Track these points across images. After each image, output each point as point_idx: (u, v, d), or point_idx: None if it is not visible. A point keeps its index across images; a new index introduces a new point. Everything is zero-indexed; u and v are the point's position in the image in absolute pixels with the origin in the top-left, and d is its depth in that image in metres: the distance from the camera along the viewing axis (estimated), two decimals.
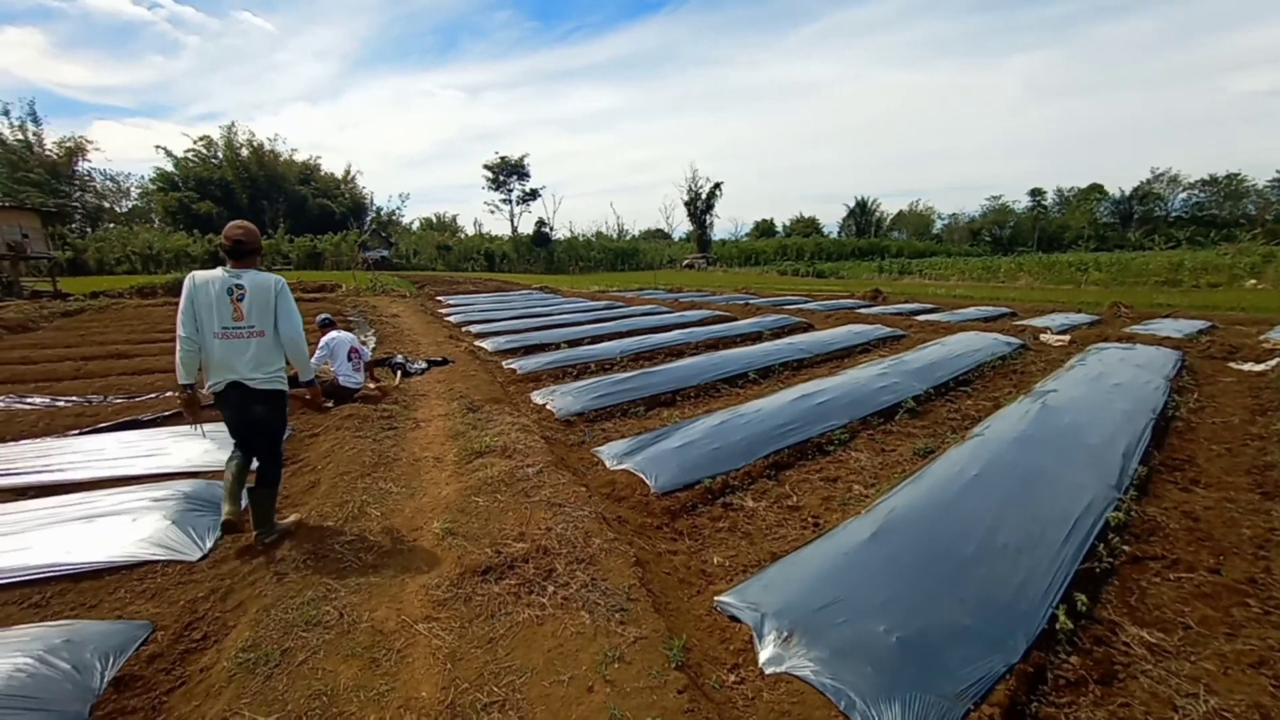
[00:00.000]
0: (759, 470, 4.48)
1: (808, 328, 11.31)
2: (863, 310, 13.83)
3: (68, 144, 44.92)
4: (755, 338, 10.16)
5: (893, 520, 3.37)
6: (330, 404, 5.87)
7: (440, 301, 18.88)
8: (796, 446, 4.88)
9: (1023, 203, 75.68)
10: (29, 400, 6.11)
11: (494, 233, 52.27)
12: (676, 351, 9.02)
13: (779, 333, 10.64)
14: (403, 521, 3.40)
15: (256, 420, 3.21)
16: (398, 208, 56.55)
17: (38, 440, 4.78)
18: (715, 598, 2.90)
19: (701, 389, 6.76)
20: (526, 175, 51.05)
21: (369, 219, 51.76)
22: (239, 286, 3.12)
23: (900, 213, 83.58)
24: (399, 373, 7.34)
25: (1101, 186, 70.62)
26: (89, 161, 46.70)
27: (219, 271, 3.16)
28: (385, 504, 3.61)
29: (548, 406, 6.11)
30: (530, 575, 2.75)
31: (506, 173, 50.62)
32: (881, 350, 9.12)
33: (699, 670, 2.32)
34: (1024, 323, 11.43)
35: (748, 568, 3.29)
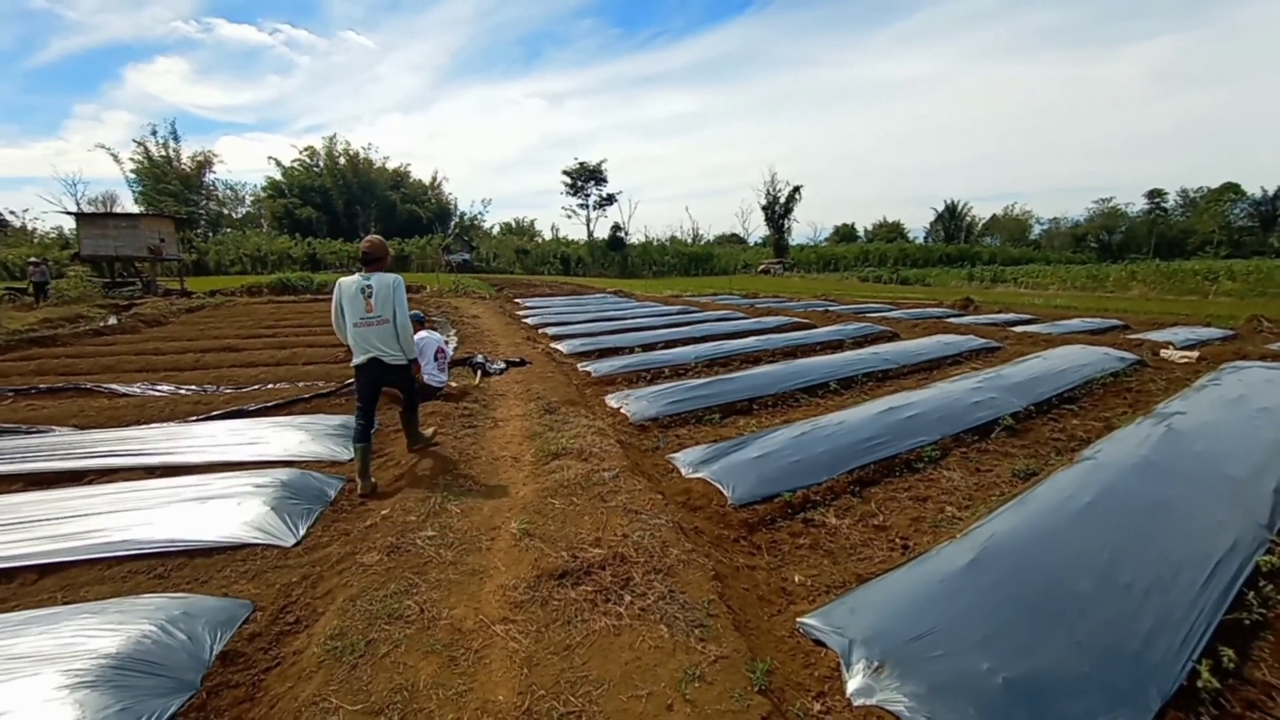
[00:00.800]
0: (842, 486, 4.26)
1: (892, 337, 10.77)
2: (953, 320, 13.04)
3: (198, 158, 50.01)
4: (836, 346, 9.78)
5: (993, 547, 3.09)
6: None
7: (518, 304, 19.47)
8: (883, 462, 4.61)
9: (1137, 205, 69.06)
10: (158, 388, 6.79)
11: (570, 237, 53.52)
12: (753, 358, 8.81)
13: (861, 341, 10.20)
14: (481, 520, 3.46)
15: (392, 382, 4.31)
16: (480, 213, 59.00)
17: (164, 425, 5.27)
18: (797, 619, 2.76)
19: (779, 398, 6.56)
20: (604, 180, 51.90)
21: (453, 223, 54.25)
22: (368, 287, 4.11)
23: (994, 217, 78.51)
24: (479, 372, 7.58)
25: (1237, 186, 63.23)
26: (214, 173, 51.78)
27: (356, 276, 4.17)
28: (465, 501, 3.70)
29: (622, 410, 6.11)
30: (607, 583, 2.71)
31: (584, 178, 51.64)
32: (974, 362, 8.54)
33: (782, 695, 2.20)
34: (1140, 336, 10.39)
35: (831, 588, 3.13)
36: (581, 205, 52.88)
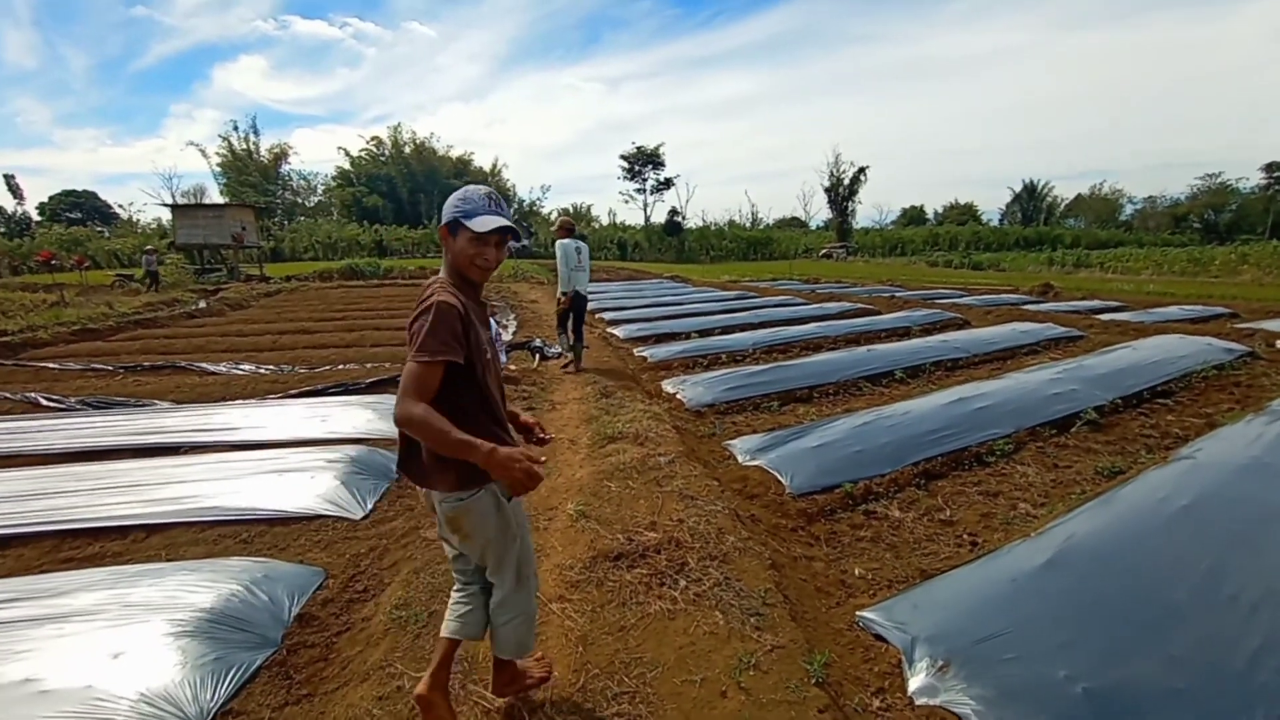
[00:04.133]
0: (906, 478, 4.11)
1: (963, 324, 10.25)
2: (1029, 307, 12.25)
3: (275, 150, 52.86)
4: (902, 333, 9.40)
5: (1073, 548, 2.91)
6: None
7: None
8: (951, 455, 4.41)
9: (1251, 180, 62.06)
10: (241, 367, 7.32)
11: (627, 222, 53.33)
12: (813, 345, 8.59)
13: (929, 329, 9.75)
14: (539, 500, 3.54)
15: (582, 310, 7.03)
16: (538, 198, 59.68)
17: (246, 402, 5.67)
18: (857, 612, 2.69)
19: (841, 386, 6.37)
20: (661, 164, 51.45)
21: (512, 210, 55.25)
22: (580, 249, 6.86)
23: (1079, 197, 72.76)
24: (537, 356, 7.72)
25: None
26: (289, 164, 54.61)
27: (572, 240, 6.74)
28: None
29: (678, 396, 6.09)
30: (662, 567, 2.72)
31: (641, 162, 51.38)
32: (1054, 352, 8.01)
33: (839, 689, 2.15)
34: (1251, 326, 9.44)
35: (893, 583, 3.03)
36: (638, 190, 52.71)
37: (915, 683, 2.22)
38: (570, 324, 7.00)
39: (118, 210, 52.05)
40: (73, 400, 5.72)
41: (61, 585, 2.60)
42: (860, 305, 12.47)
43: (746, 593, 2.52)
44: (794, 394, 6.12)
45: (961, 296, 14.37)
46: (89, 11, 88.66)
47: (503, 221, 1.73)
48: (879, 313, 11.49)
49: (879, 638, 2.50)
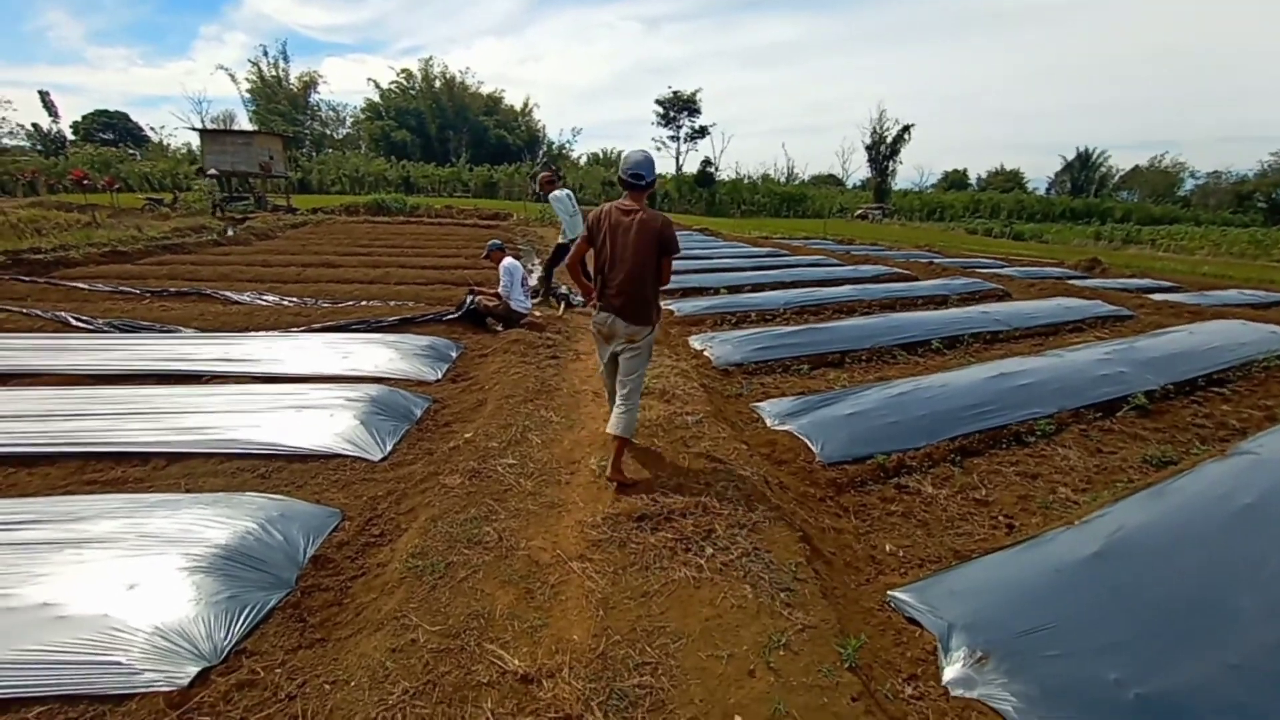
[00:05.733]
0: (941, 453, 3.94)
1: (1004, 296, 9.81)
2: (1075, 282, 11.67)
3: (304, 79, 51.76)
4: (940, 301, 9.02)
5: (1124, 541, 2.74)
6: (500, 327, 6.20)
7: None
8: (988, 432, 4.22)
9: None
10: (265, 298, 7.25)
11: (658, 171, 51.89)
12: (846, 309, 8.29)
13: (968, 298, 9.35)
14: (561, 453, 3.44)
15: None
16: (568, 141, 58.01)
17: (269, 333, 5.61)
18: (888, 591, 2.58)
19: (874, 353, 6.13)
20: (697, 112, 49.45)
21: (541, 152, 53.99)
22: (570, 196, 7.30)
23: (1136, 168, 68.52)
24: (563, 304, 7.55)
25: None
26: (318, 94, 53.51)
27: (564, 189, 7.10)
28: (545, 432, 3.69)
29: (705, 353, 5.92)
30: (688, 531, 2.61)
31: (678, 108, 49.42)
32: (1100, 331, 7.63)
33: (870, 673, 2.05)
34: None
35: (925, 562, 2.91)
36: (672, 137, 50.90)
37: (951, 672, 2.11)
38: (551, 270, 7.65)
39: (149, 133, 51.92)
40: (101, 322, 5.72)
41: (81, 510, 2.58)
42: (897, 270, 12.00)
43: (777, 565, 2.41)
44: (825, 358, 5.91)
45: (1002, 267, 13.76)
46: None
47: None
48: (916, 279, 11.05)
49: (912, 621, 2.39)
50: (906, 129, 46.85)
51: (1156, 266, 16.71)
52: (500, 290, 6.28)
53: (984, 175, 69.34)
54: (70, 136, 46.32)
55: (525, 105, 56.64)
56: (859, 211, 42.72)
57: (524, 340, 5.66)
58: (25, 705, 1.78)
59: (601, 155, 55.64)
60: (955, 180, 68.24)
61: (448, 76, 52.13)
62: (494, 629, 2.06)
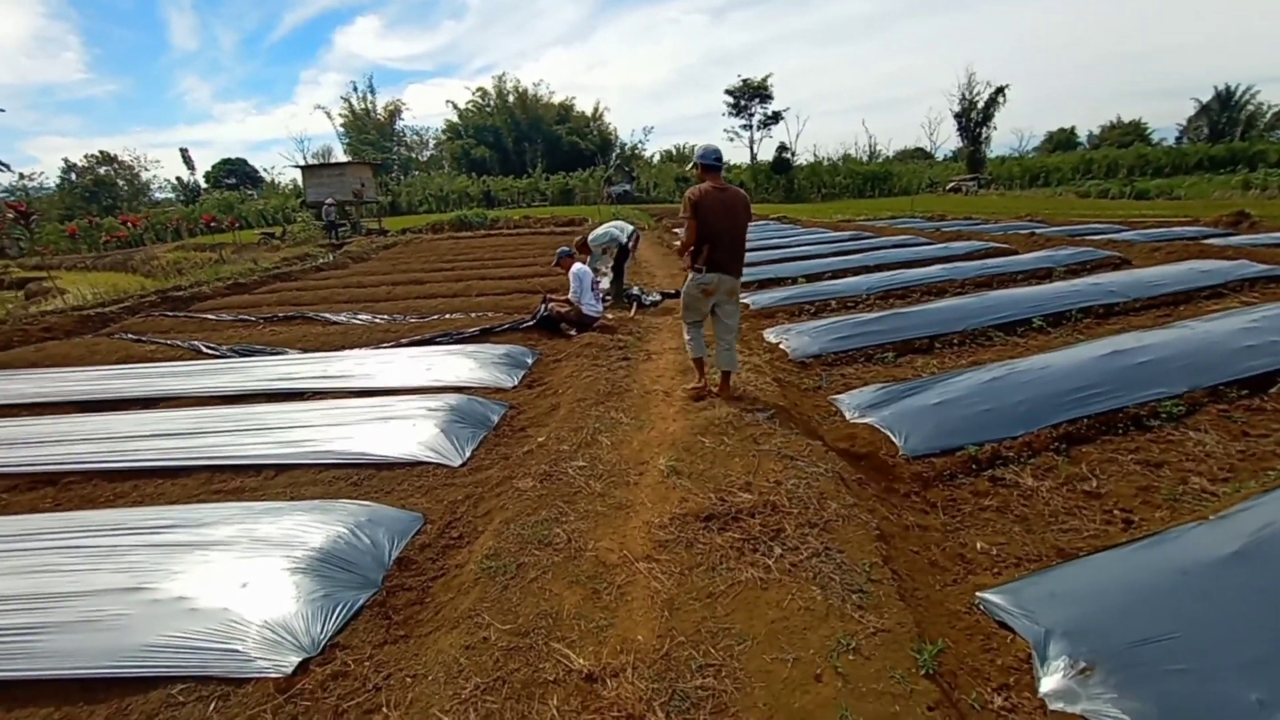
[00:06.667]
0: (1043, 442, 3.60)
1: (1120, 264, 8.83)
2: (1213, 241, 10.27)
3: (390, 107, 55.54)
4: (1043, 275, 8.25)
5: (1271, 539, 2.37)
6: (574, 332, 6.34)
7: (675, 234, 19.26)
8: (1100, 416, 3.81)
9: None
10: (359, 317, 7.89)
11: (732, 161, 51.04)
12: (936, 290, 7.78)
13: (1076, 270, 8.49)
14: (630, 454, 3.47)
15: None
16: (640, 141, 58.43)
17: (361, 350, 6.10)
18: (977, 593, 2.40)
19: (967, 336, 5.71)
20: (769, 98, 48.20)
21: (614, 154, 54.69)
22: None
23: None
24: (634, 304, 7.61)
25: None
26: (403, 120, 57.22)
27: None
28: (615, 434, 3.73)
29: (781, 346, 5.76)
30: (755, 532, 2.55)
31: (748, 96, 48.43)
32: (1246, 295, 6.68)
33: (954, 680, 1.92)
34: None
35: (1022, 561, 2.68)
36: (744, 126, 49.96)
37: (1048, 683, 1.92)
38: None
39: (263, 174, 57.77)
40: (224, 349, 6.44)
41: (207, 516, 2.90)
42: (993, 244, 11.11)
43: (849, 566, 2.30)
44: (912, 344, 5.58)
45: (1120, 231, 12.35)
46: None
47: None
48: (1015, 252, 10.19)
49: (1003, 625, 2.20)
50: (1000, 91, 43.24)
51: None
52: (570, 296, 6.43)
53: (1095, 131, 62.70)
54: (203, 185, 52.36)
55: (596, 110, 57.60)
56: (951, 184, 40.00)
57: (596, 343, 5.76)
58: (169, 683, 2.04)
59: (674, 152, 55.57)
60: (1061, 140, 62.13)
61: (520, 90, 53.98)
62: (561, 628, 2.11)
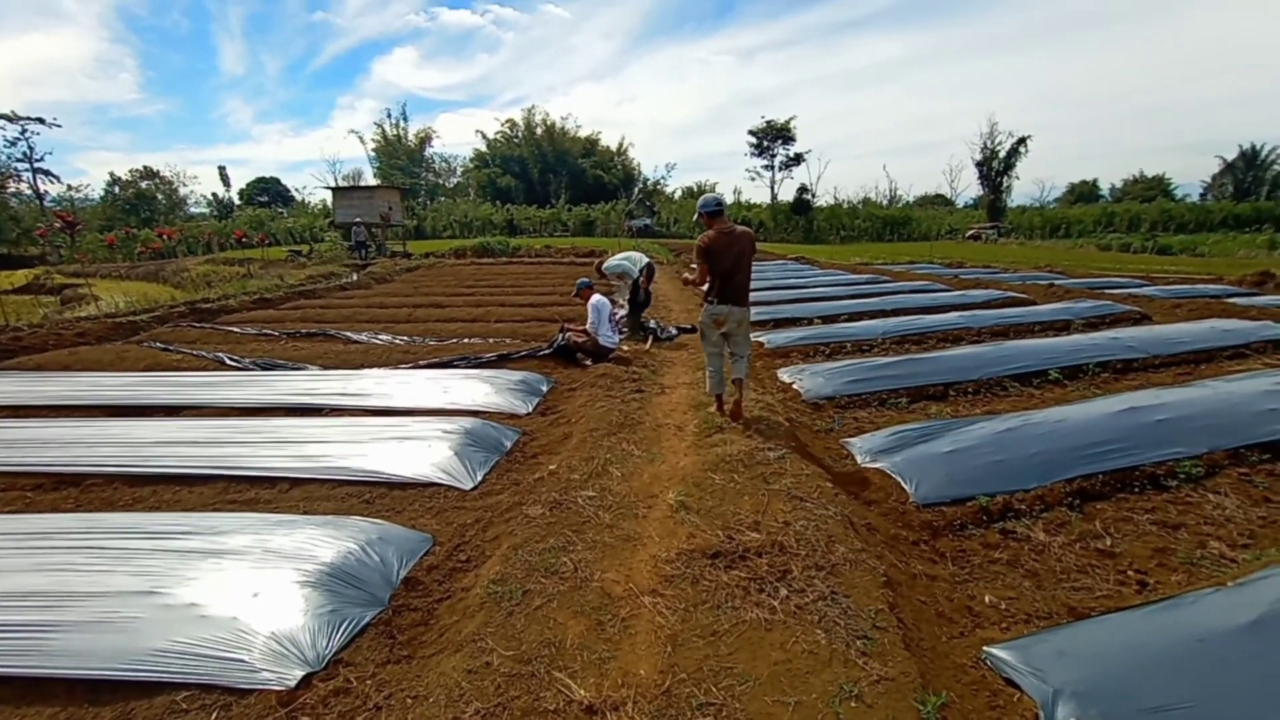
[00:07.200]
0: (1056, 496, 3.56)
1: (1141, 319, 8.77)
2: (1236, 300, 10.19)
3: (420, 135, 57.38)
4: (1061, 328, 8.23)
5: None
6: (590, 362, 6.41)
7: (692, 268, 19.45)
8: (1115, 473, 3.76)
9: None
10: (379, 337, 8.07)
11: (752, 200, 51.72)
12: (952, 337, 7.77)
13: (1095, 323, 8.45)
14: (640, 486, 3.48)
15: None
16: (663, 177, 59.65)
17: (380, 370, 6.21)
18: (984, 646, 2.36)
19: (982, 385, 5.69)
20: (792, 139, 49.15)
21: (636, 189, 55.74)
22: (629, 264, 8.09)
23: None
24: (650, 338, 7.69)
25: None
26: (432, 147, 59.05)
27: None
28: (626, 465, 3.76)
29: (794, 386, 5.78)
30: (762, 571, 2.55)
31: (771, 137, 49.41)
32: (1269, 357, 6.59)
33: None
34: None
35: (1031, 617, 2.63)
36: (766, 166, 50.82)
37: None
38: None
39: (294, 193, 59.65)
40: (247, 361, 6.60)
41: (222, 525, 2.96)
42: (1011, 294, 11.10)
43: (854, 611, 2.29)
44: (926, 390, 5.57)
45: (1141, 286, 12.32)
46: (282, 19, 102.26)
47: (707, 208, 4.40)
48: (1034, 303, 10.17)
49: (1010, 682, 2.17)
50: (1022, 141, 43.79)
51: None
52: (588, 326, 6.53)
53: (1118, 184, 62.77)
54: (237, 201, 54.13)
55: (620, 145, 58.93)
56: (970, 232, 40.17)
57: (611, 374, 5.82)
58: (175, 689, 2.06)
59: (695, 189, 56.48)
60: (1083, 193, 62.30)
61: (548, 123, 55.50)
62: (564, 658, 2.12)
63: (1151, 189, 57.41)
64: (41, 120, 42.47)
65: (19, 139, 41.96)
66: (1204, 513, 3.41)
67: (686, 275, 4.58)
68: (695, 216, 4.54)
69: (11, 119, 41.00)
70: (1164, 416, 4.34)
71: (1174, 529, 3.27)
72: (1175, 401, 4.62)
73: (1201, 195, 57.18)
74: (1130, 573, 2.92)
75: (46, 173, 44.42)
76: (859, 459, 4.07)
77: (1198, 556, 3.00)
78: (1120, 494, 3.64)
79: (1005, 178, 45.23)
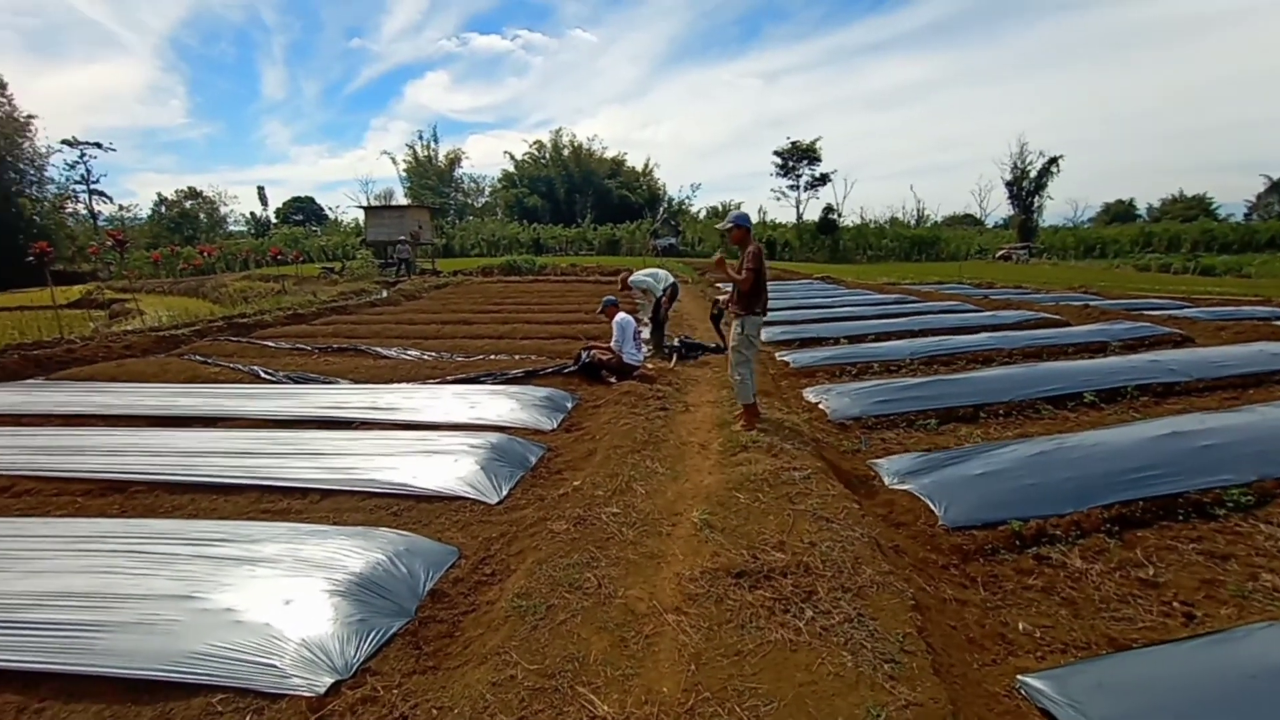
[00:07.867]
0: (1094, 522, 3.45)
1: (1182, 341, 8.50)
2: None
3: (450, 155, 58.91)
4: (1097, 349, 8.01)
5: None
6: (614, 379, 6.45)
7: (719, 289, 19.47)
8: (1158, 500, 3.64)
9: None
10: (408, 353, 8.25)
11: (778, 220, 51.73)
12: (982, 358, 7.63)
13: (1133, 345, 8.21)
14: (664, 504, 3.48)
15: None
16: (688, 197, 60.03)
17: (409, 385, 6.34)
18: (1018, 676, 2.29)
19: (1014, 407, 5.57)
20: (817, 160, 49.09)
21: (661, 209, 56.21)
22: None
23: None
24: (674, 356, 7.71)
25: None
26: (462, 167, 60.54)
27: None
28: (650, 483, 3.76)
29: (820, 406, 5.73)
30: (787, 592, 2.52)
31: (796, 158, 49.42)
32: None
33: None
34: None
35: (1069, 647, 2.55)
36: (791, 186, 50.79)
37: None
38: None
39: (328, 212, 61.61)
40: (281, 375, 6.81)
41: (256, 534, 3.04)
42: (1043, 315, 10.87)
43: (881, 634, 2.25)
44: (956, 412, 5.47)
45: (1183, 308, 11.93)
46: (322, 46, 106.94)
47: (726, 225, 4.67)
48: (1067, 324, 9.94)
49: (1046, 714, 2.10)
50: (1054, 161, 43.08)
51: None
52: (613, 344, 6.58)
53: (1156, 204, 61.22)
54: (273, 220, 56.07)
55: (646, 166, 59.60)
56: (1000, 252, 39.49)
57: (635, 392, 5.85)
58: (211, 691, 2.12)
59: (720, 208, 56.71)
60: (1119, 213, 60.88)
61: (575, 145, 56.49)
62: (587, 673, 2.12)
63: (1192, 208, 55.79)
64: (99, 145, 45.08)
65: (78, 162, 44.50)
66: (1255, 543, 3.27)
67: (736, 277, 4.55)
68: (728, 227, 4.58)
69: (72, 144, 43.57)
70: (1210, 442, 4.20)
71: (1223, 559, 3.14)
72: (1221, 427, 4.46)
73: (1246, 215, 55.35)
74: (1176, 604, 2.81)
75: (101, 194, 46.95)
76: (887, 480, 4.01)
77: (1249, 589, 2.88)
78: (1163, 521, 3.52)
79: (1036, 198, 44.48)
